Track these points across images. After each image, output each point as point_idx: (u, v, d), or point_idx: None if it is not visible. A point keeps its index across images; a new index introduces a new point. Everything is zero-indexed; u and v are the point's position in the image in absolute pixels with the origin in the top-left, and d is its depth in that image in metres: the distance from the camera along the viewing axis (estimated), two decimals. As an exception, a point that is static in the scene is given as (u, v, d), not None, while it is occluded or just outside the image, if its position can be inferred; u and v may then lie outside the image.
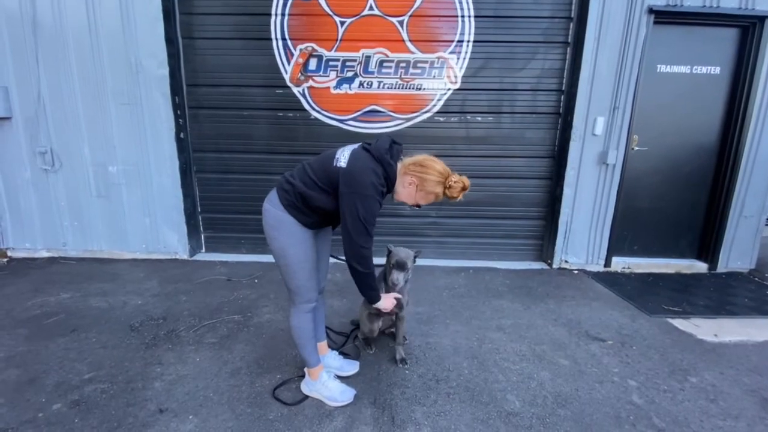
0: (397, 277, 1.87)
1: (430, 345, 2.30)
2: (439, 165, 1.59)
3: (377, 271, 1.78)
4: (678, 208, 3.61)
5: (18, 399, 1.79)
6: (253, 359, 2.12)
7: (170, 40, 3.27)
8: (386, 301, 1.79)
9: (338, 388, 1.80)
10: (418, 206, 1.68)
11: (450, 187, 1.57)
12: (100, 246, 3.63)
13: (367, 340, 2.23)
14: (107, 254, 3.65)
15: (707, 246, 3.61)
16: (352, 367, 2.01)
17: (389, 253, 1.94)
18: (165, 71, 3.28)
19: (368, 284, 1.63)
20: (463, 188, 1.58)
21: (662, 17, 3.13)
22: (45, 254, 3.64)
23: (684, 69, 3.31)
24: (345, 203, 1.48)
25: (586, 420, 1.74)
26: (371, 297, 1.71)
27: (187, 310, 2.67)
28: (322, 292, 1.90)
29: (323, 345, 1.99)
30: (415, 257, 1.95)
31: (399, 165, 1.61)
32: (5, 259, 3.55)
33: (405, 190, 1.62)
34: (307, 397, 1.82)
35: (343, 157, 1.53)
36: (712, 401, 1.88)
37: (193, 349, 2.20)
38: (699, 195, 3.58)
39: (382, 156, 1.53)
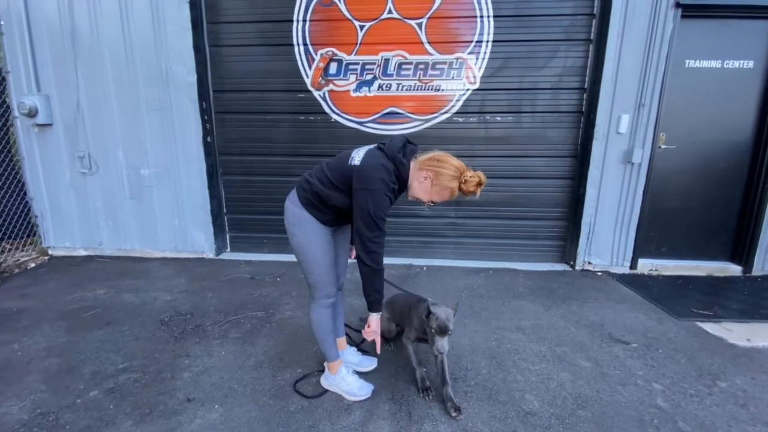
0: (442, 344, 1.69)
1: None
2: (454, 160, 1.59)
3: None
4: (709, 208, 3.47)
5: (58, 386, 1.91)
6: (275, 354, 2.19)
7: (198, 48, 3.42)
8: (377, 324, 1.68)
9: (357, 382, 1.84)
10: (433, 203, 1.67)
11: (465, 181, 1.55)
12: (132, 245, 3.82)
13: (385, 339, 2.26)
14: (139, 253, 3.83)
15: (741, 248, 3.46)
16: (370, 363, 2.04)
17: (429, 314, 1.73)
18: (193, 78, 3.43)
19: (375, 285, 1.60)
20: (479, 183, 1.55)
21: (690, 11, 3.03)
22: (83, 252, 3.85)
23: (714, 64, 3.20)
24: (357, 198, 1.52)
25: (607, 422, 1.71)
26: (373, 302, 1.63)
27: (213, 306, 2.77)
28: (341, 288, 1.94)
29: (342, 341, 2.03)
30: (454, 313, 1.75)
31: (413, 163, 1.63)
32: (47, 257, 3.78)
33: (420, 186, 1.62)
34: (326, 390, 1.86)
35: (357, 156, 1.58)
36: (742, 406, 1.81)
37: (218, 343, 2.29)
38: (732, 195, 3.43)
39: (395, 154, 1.57)
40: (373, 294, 1.62)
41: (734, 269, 3.48)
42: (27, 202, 3.75)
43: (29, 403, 1.79)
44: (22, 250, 3.75)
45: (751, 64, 3.17)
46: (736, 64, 3.18)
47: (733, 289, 3.19)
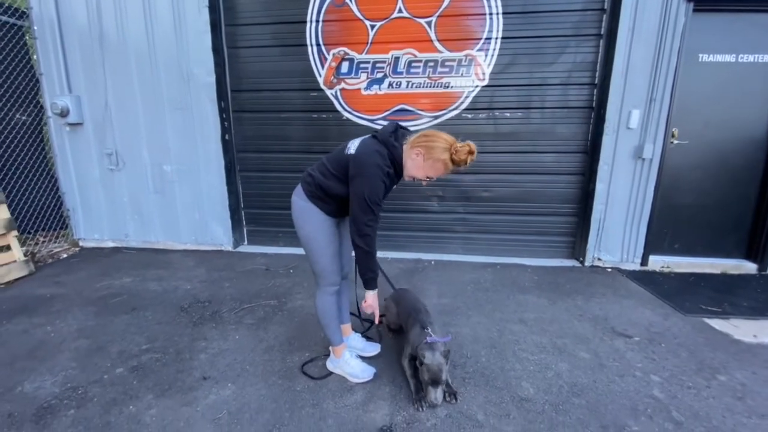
0: (435, 396, 1.68)
1: (450, 333, 2.38)
2: (443, 134, 1.64)
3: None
4: (724, 204, 3.42)
5: (87, 363, 2.09)
6: (285, 339, 2.32)
7: (217, 50, 3.58)
8: (373, 299, 1.79)
9: (360, 366, 1.94)
10: (429, 179, 1.70)
11: (456, 151, 1.59)
12: (156, 237, 4.03)
13: (389, 328, 2.35)
14: (162, 245, 4.04)
15: (757, 245, 3.39)
16: (373, 349, 2.15)
17: (421, 364, 1.70)
18: (212, 78, 3.59)
19: (369, 265, 1.70)
20: (470, 152, 1.58)
21: (702, 4, 2.99)
22: (110, 244, 4.09)
23: (729, 58, 3.14)
24: (353, 184, 1.61)
25: (600, 410, 1.76)
26: (368, 280, 1.74)
27: (229, 295, 2.93)
28: (346, 277, 2.05)
29: (347, 327, 2.14)
30: (447, 360, 1.72)
31: (406, 145, 1.69)
32: (78, 248, 4.04)
33: (413, 163, 1.66)
34: (331, 373, 1.98)
35: (353, 146, 1.68)
36: (739, 399, 1.82)
37: (233, 328, 2.44)
38: (747, 191, 3.37)
39: (387, 139, 1.66)
40: (368, 273, 1.73)
41: (749, 267, 3.42)
42: (59, 197, 4.01)
43: (61, 378, 1.97)
44: (55, 242, 4.02)
45: (766, 58, 3.10)
46: (751, 58, 3.11)
47: (747, 286, 3.15)
